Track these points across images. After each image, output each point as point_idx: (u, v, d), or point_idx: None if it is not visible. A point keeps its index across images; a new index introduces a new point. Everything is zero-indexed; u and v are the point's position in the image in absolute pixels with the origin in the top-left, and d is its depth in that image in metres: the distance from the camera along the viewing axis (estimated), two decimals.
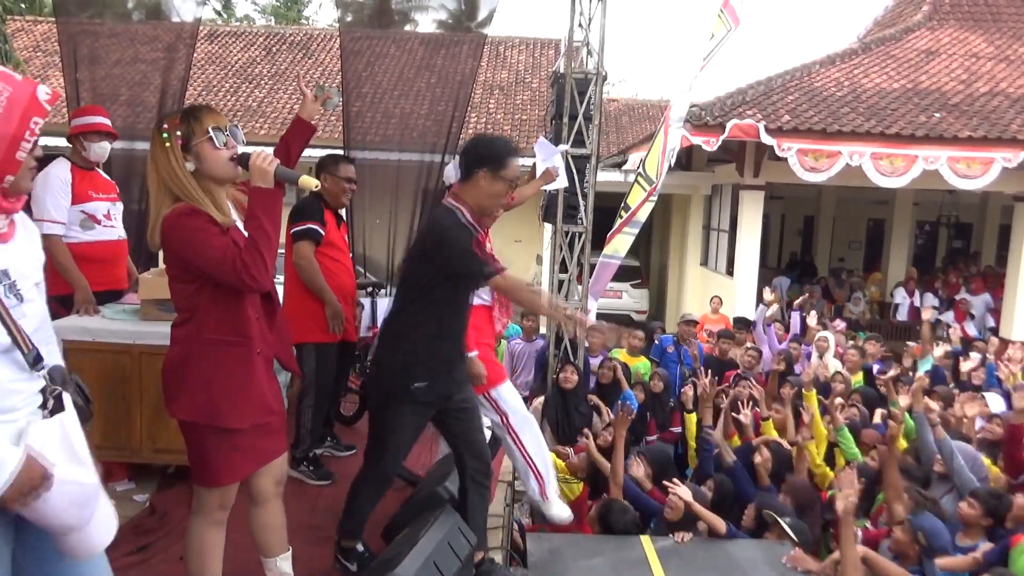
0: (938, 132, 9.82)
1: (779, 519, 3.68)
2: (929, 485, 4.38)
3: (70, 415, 1.76)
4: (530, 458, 3.28)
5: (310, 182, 2.36)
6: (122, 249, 4.13)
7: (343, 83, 6.38)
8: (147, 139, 2.40)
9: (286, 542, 2.58)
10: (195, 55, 6.71)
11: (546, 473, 3.31)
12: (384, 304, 4.69)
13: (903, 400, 4.96)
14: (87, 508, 1.74)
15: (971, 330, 11.59)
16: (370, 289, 4.70)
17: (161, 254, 2.33)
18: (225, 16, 28.49)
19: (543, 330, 7.76)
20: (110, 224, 3.98)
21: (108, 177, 4.15)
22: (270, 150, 2.49)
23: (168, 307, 2.77)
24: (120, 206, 4.12)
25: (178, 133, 2.24)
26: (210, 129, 2.23)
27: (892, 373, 5.91)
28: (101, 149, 3.96)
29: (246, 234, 2.22)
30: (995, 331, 11.23)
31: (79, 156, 3.94)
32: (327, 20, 28.94)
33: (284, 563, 2.56)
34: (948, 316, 11.95)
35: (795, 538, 3.60)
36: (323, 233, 3.69)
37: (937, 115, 10.30)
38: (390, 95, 6.52)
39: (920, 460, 4.68)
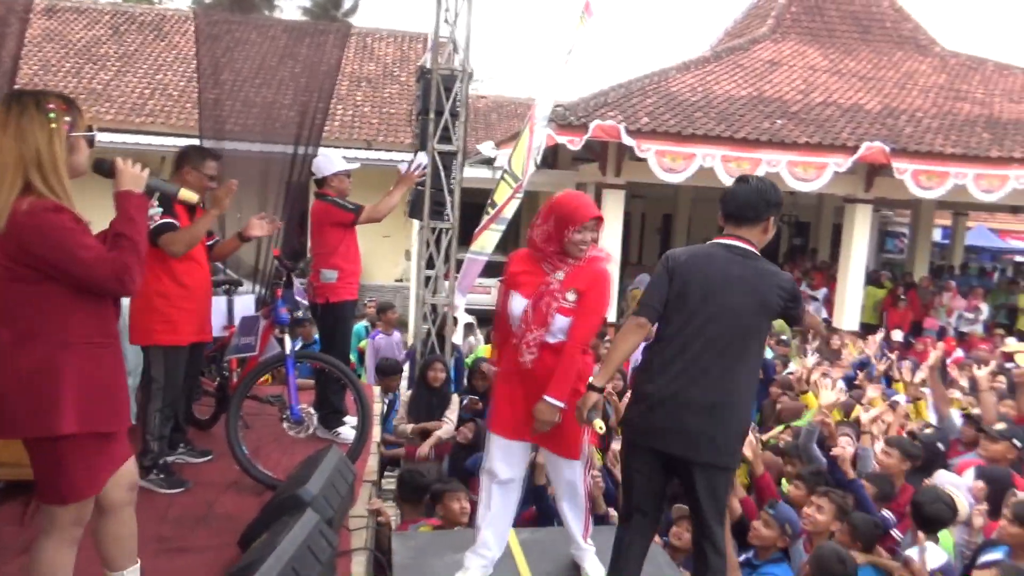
0: (779, 138, 10.60)
1: None
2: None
3: None
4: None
5: (190, 196, 2.30)
6: None
7: (198, 68, 6.07)
8: None
9: (135, 554, 2.45)
10: (30, 31, 6.17)
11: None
12: (242, 302, 4.52)
13: None
14: None
15: None
16: (227, 287, 4.50)
17: None
18: None
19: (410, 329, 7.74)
20: None
21: None
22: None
23: None
24: None
25: (67, 119, 2.10)
26: (91, 127, 2.17)
27: None
28: None
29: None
30: (828, 322, 12.26)
31: None
32: (181, 1, 27.31)
33: None
34: None
35: None
36: (176, 224, 3.49)
37: (779, 122, 11.10)
38: (251, 83, 6.28)
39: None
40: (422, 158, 5.11)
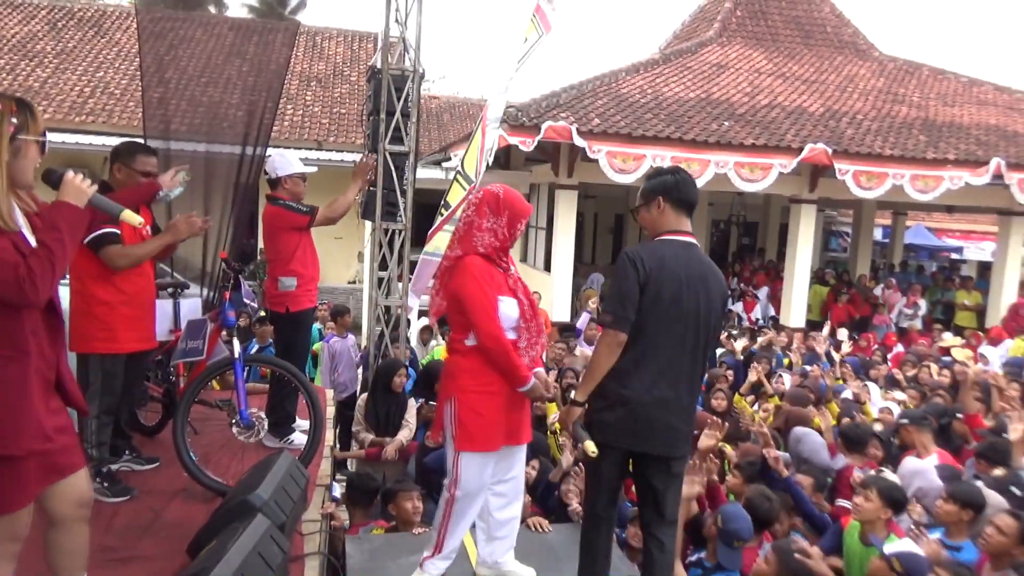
0: (727, 139, 10.81)
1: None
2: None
3: None
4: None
5: (133, 219, 2.25)
6: None
7: (141, 66, 5.90)
8: None
9: (85, 567, 2.38)
10: None
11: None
12: (188, 305, 4.41)
13: None
14: None
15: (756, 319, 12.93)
16: (171, 290, 4.39)
17: None
18: None
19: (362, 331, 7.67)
20: None
21: None
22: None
23: None
24: None
25: (13, 120, 2.02)
26: (45, 132, 2.10)
27: None
28: None
29: (31, 241, 2.04)
30: (776, 319, 12.55)
31: None
32: None
33: None
34: (739, 306, 13.22)
35: None
36: (119, 234, 3.40)
37: (726, 123, 11.32)
38: (196, 82, 6.13)
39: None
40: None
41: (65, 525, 2.27)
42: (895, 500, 3.58)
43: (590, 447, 2.79)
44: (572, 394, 2.93)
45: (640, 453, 2.88)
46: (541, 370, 2.99)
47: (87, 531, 2.36)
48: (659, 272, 2.78)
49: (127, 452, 3.88)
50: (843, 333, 8.98)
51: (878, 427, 5.36)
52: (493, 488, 3.04)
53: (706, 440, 3.79)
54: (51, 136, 2.26)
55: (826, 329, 9.42)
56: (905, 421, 5.07)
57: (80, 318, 3.39)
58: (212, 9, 23.21)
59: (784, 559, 3.19)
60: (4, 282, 1.96)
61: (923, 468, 4.47)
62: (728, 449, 4.85)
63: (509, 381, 2.85)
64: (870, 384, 6.88)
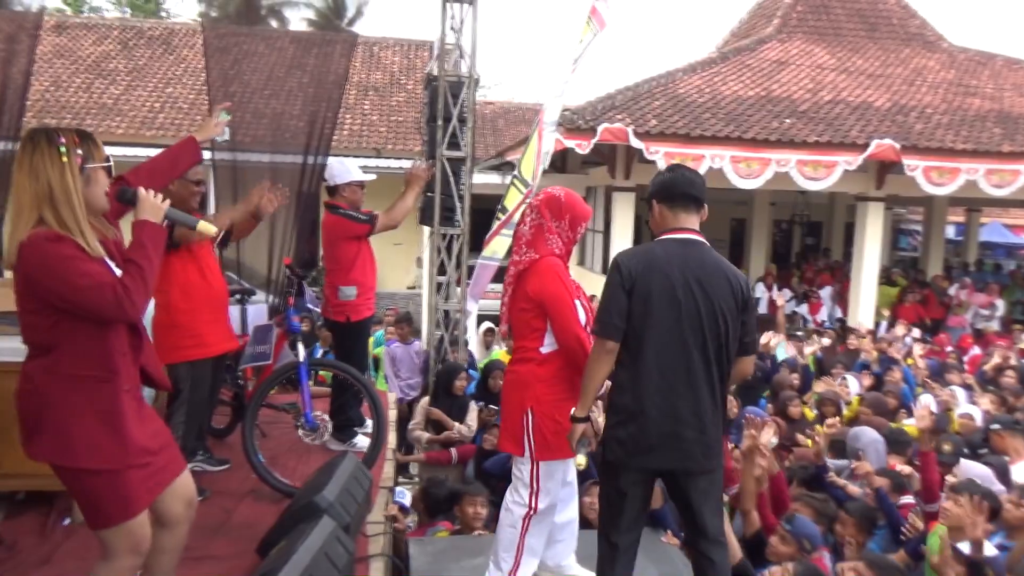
0: (788, 137, 10.55)
1: None
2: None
3: None
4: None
5: (209, 229, 2.32)
6: None
7: (208, 81, 6.10)
8: None
9: (175, 566, 2.47)
10: (41, 48, 6.24)
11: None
12: (255, 311, 4.53)
13: None
14: None
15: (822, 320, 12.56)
16: (239, 296, 4.51)
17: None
18: (75, 6, 26.54)
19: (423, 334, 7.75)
20: None
21: None
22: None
23: (13, 320, 2.57)
24: None
25: (79, 151, 2.11)
26: (109, 158, 2.17)
27: None
28: None
29: (112, 266, 2.13)
30: (842, 320, 12.19)
31: None
32: (188, 14, 27.55)
33: None
34: (803, 308, 12.88)
35: None
36: (177, 240, 3.48)
37: (788, 121, 11.06)
38: (260, 94, 6.32)
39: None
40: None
41: (173, 526, 2.35)
42: (987, 507, 3.40)
43: (580, 460, 2.75)
44: (572, 411, 2.75)
45: (659, 470, 2.69)
46: None
47: (187, 532, 2.44)
48: (646, 273, 2.60)
49: (200, 453, 4.00)
50: (913, 335, 8.65)
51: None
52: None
53: (750, 440, 3.67)
54: (124, 150, 2.36)
55: (900, 330, 9.09)
56: (997, 427, 4.82)
57: (165, 330, 3.49)
58: (273, 24, 23.88)
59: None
60: (105, 300, 2.04)
61: (983, 475, 4.23)
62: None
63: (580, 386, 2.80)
64: (957, 389, 6.56)
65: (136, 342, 2.27)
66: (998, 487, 3.90)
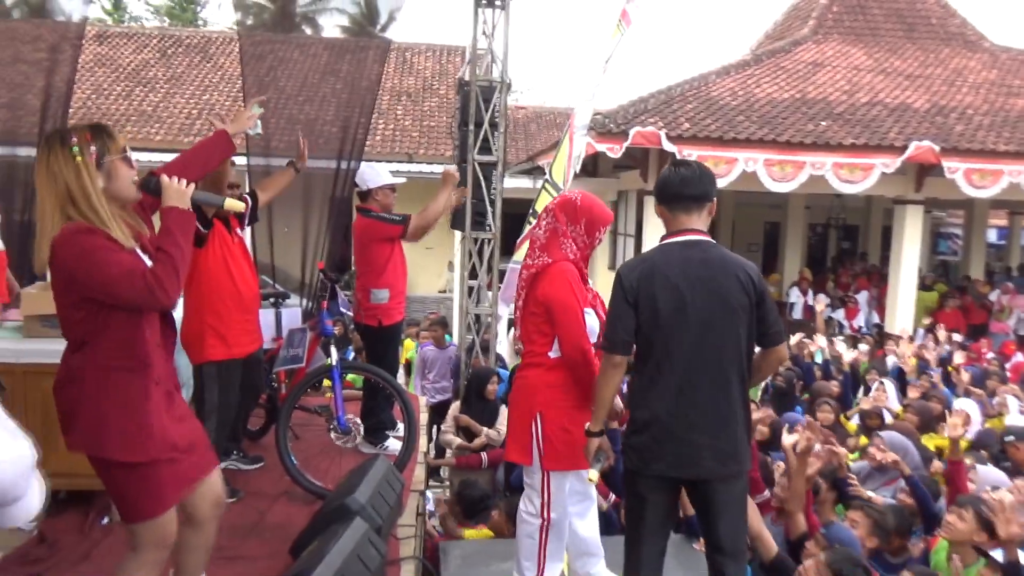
0: (824, 140, 10.39)
1: None
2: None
3: None
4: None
5: (236, 205, 2.33)
6: None
7: (244, 88, 6.21)
8: (31, 144, 2.29)
9: (206, 565, 2.50)
10: (83, 57, 6.40)
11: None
12: (289, 314, 4.58)
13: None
14: (30, 477, 1.87)
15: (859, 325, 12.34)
16: (273, 300, 4.57)
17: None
18: (115, 16, 27.19)
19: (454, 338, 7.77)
20: None
21: None
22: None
23: (53, 323, 2.64)
24: None
25: (92, 148, 2.13)
26: (126, 147, 2.18)
27: None
28: None
29: (145, 259, 2.15)
30: (879, 326, 11.96)
31: None
32: (225, 22, 28.06)
33: None
34: (840, 313, 12.67)
35: None
36: (205, 231, 3.50)
37: (823, 123, 10.90)
38: (294, 101, 6.39)
39: None
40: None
41: (201, 525, 2.38)
42: (991, 525, 3.23)
43: (592, 475, 2.71)
44: (587, 426, 2.71)
45: (678, 479, 2.63)
46: None
47: (215, 529, 2.46)
48: (648, 282, 2.55)
49: (234, 452, 4.05)
50: (956, 338, 8.46)
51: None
52: (572, 507, 2.97)
53: (805, 442, 3.58)
54: (163, 156, 2.37)
55: (942, 334, 8.89)
56: (1011, 438, 4.62)
57: (192, 330, 3.54)
58: (307, 31, 24.21)
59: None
60: (137, 288, 2.06)
61: (1001, 481, 4.09)
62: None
63: (588, 395, 2.77)
64: (1010, 398, 6.35)
65: (169, 333, 2.29)
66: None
